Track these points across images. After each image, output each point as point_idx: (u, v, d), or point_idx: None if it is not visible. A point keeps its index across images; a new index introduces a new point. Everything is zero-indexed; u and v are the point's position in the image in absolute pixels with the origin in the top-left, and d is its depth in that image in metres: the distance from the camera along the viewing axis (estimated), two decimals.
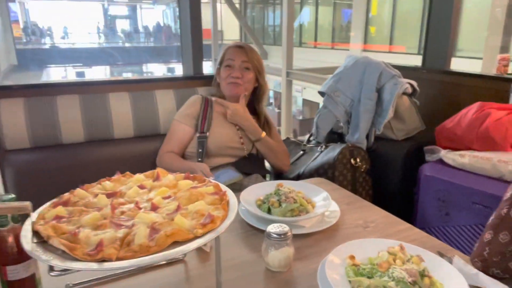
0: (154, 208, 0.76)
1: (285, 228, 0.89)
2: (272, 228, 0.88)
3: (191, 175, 0.92)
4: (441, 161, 1.61)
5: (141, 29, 24.52)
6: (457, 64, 2.18)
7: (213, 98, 1.70)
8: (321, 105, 2.05)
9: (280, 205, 1.08)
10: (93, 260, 0.61)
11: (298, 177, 1.77)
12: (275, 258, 0.88)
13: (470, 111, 1.58)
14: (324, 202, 1.14)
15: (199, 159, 1.60)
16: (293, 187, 1.17)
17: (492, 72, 3.37)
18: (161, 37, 22.84)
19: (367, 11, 10.84)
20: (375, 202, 1.26)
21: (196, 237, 0.67)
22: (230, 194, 0.81)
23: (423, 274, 0.75)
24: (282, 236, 0.87)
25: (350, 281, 0.77)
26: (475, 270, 0.83)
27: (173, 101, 1.82)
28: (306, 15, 14.64)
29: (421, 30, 9.17)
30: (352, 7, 11.61)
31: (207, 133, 1.62)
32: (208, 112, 1.67)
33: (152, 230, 0.67)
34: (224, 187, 0.85)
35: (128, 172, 0.93)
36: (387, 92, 1.82)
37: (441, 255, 0.90)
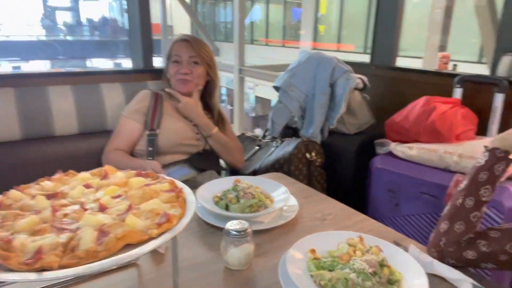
0: (102, 208, 0.70)
1: (245, 224, 0.85)
2: (231, 225, 0.85)
3: (144, 172, 0.86)
4: (391, 154, 1.66)
5: (84, 22, 23.14)
6: (400, 63, 2.28)
7: (166, 89, 1.63)
8: (274, 101, 2.05)
9: (238, 201, 1.05)
10: (31, 270, 0.54)
11: (254, 173, 1.75)
12: (234, 256, 0.84)
13: (417, 105, 1.65)
14: (282, 196, 1.13)
15: (150, 158, 1.52)
16: (251, 182, 1.14)
17: (433, 69, 3.59)
18: (106, 30, 21.75)
19: (316, 10, 11.12)
20: (329, 195, 1.27)
21: (150, 238, 0.62)
22: (187, 191, 0.77)
23: (382, 264, 0.76)
24: (242, 233, 0.84)
25: (312, 275, 0.76)
26: (430, 258, 0.86)
27: (121, 96, 1.72)
28: (257, 13, 14.72)
29: (366, 30, 9.58)
30: (302, 6, 11.85)
31: (157, 131, 1.55)
32: (158, 108, 1.59)
33: (100, 233, 0.61)
34: (180, 184, 0.80)
35: (71, 171, 0.85)
36: (339, 87, 1.85)
37: (397, 244, 0.92)
